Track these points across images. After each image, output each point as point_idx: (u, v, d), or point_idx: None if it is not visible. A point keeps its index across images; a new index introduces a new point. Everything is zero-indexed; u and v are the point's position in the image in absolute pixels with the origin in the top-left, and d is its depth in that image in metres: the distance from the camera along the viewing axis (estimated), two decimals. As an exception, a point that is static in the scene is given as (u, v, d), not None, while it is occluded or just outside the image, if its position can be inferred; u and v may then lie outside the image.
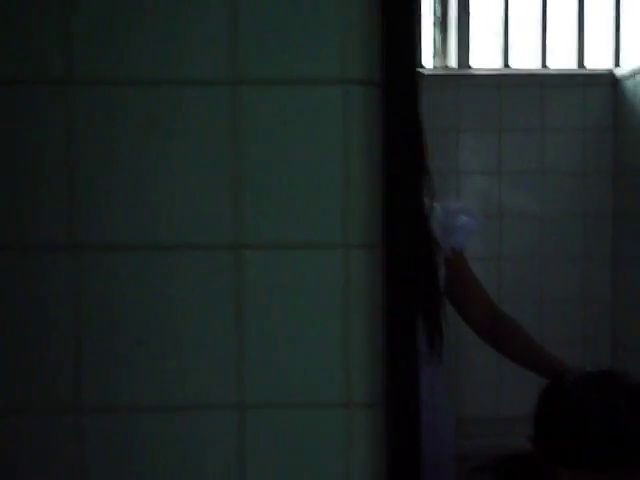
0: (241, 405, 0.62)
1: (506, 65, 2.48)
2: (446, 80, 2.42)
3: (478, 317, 1.67)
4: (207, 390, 0.62)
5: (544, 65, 2.49)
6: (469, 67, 2.48)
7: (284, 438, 0.63)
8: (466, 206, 1.70)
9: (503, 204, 2.38)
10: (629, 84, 2.27)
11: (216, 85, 0.61)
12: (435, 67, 2.54)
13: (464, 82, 2.40)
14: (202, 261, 0.61)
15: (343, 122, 0.61)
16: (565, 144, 2.39)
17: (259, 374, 0.62)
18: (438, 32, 2.58)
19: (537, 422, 1.29)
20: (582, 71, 2.45)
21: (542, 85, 2.39)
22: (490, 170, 2.38)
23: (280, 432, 0.63)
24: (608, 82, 2.38)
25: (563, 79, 2.40)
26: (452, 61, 2.51)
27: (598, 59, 2.52)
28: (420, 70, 0.68)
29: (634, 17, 2.42)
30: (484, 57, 2.54)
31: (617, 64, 2.46)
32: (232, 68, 0.61)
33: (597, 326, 2.42)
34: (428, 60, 2.54)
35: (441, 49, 2.56)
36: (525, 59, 2.53)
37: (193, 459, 0.62)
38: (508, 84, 2.39)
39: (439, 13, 2.57)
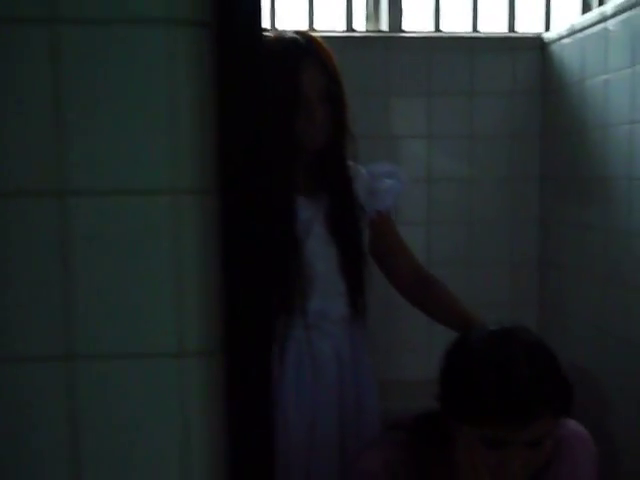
0: (70, 356, 0.61)
1: (437, 29, 2.47)
2: (375, 42, 2.39)
3: (405, 280, 1.68)
4: (34, 341, 0.60)
5: (475, 29, 2.48)
6: (401, 31, 2.45)
7: (117, 389, 0.62)
8: (392, 168, 1.69)
9: (432, 168, 2.38)
10: (556, 48, 2.29)
11: (33, 24, 0.58)
12: (367, 31, 2.50)
13: (393, 45, 2.37)
14: (25, 208, 0.59)
15: (168, 65, 0.59)
16: (494, 108, 2.40)
17: (88, 324, 0.61)
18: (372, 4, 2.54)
19: (441, 379, 1.30)
20: (511, 35, 2.45)
21: (472, 49, 2.38)
22: (420, 134, 2.38)
23: (113, 383, 0.62)
24: (537, 46, 2.39)
25: (492, 43, 2.40)
26: (384, 25, 2.48)
27: (530, 24, 2.54)
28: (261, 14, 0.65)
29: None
30: (416, 22, 2.52)
31: (548, 29, 2.48)
32: (49, 6, 0.58)
33: (525, 289, 2.46)
34: (361, 24, 2.51)
35: (373, 13, 2.53)
36: (457, 24, 2.52)
37: (22, 412, 0.61)
38: (438, 48, 2.38)
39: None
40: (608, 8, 1.94)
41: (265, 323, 0.66)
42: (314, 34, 1.55)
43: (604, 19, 1.95)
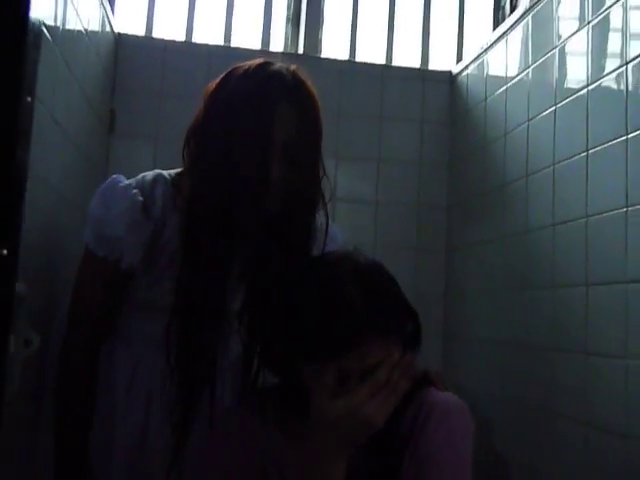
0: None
1: (352, 57, 2.49)
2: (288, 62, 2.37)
3: None
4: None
5: (389, 62, 2.51)
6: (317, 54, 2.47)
7: None
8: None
9: (339, 189, 2.33)
10: (461, 80, 2.31)
11: None
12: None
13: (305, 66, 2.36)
14: None
15: None
16: (403, 135, 2.40)
17: None
18: (290, 28, 2.56)
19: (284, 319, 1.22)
20: (423, 67, 2.48)
21: (383, 77, 2.39)
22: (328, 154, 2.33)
23: None
24: (447, 79, 2.41)
25: (403, 72, 2.41)
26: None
27: (445, 59, 2.57)
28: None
29: (475, 17, 2.51)
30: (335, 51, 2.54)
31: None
32: None
33: (429, 320, 2.37)
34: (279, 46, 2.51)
35: (291, 45, 2.54)
36: (373, 57, 2.54)
37: None
38: (350, 72, 2.38)
39: (292, 9, 2.56)
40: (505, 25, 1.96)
41: None
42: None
43: (501, 36, 1.97)
